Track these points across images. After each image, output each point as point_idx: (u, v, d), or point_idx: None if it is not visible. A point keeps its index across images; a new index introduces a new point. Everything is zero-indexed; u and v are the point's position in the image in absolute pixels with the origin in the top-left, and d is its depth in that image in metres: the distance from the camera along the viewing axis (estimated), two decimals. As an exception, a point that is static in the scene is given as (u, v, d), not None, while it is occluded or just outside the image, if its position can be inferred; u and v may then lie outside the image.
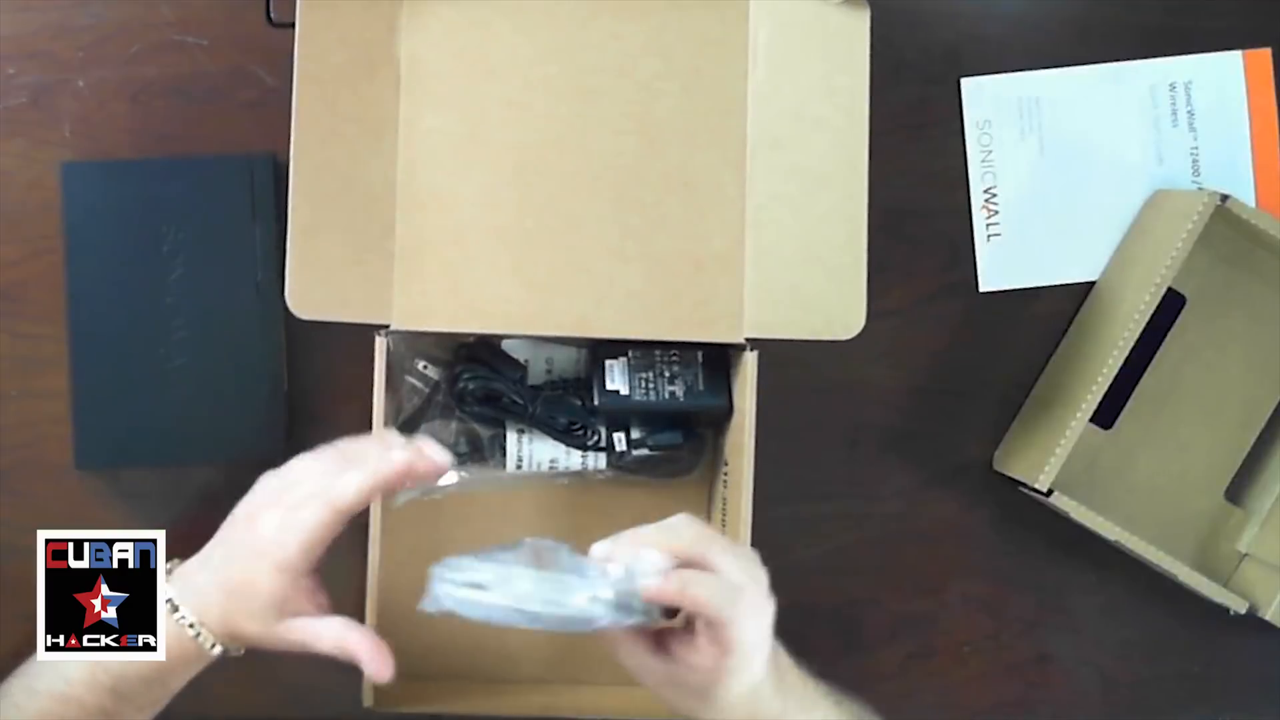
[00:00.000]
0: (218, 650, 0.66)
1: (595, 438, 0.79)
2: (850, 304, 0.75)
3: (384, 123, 0.73)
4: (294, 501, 0.65)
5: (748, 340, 0.75)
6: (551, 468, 0.79)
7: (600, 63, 0.74)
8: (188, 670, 0.67)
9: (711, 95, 0.75)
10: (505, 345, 0.81)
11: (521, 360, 0.80)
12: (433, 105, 0.73)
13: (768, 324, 0.75)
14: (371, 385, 0.73)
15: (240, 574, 0.65)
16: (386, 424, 0.76)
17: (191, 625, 0.66)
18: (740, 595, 0.61)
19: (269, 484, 0.67)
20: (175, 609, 0.66)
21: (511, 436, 0.79)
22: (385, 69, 0.73)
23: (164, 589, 0.66)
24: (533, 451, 0.79)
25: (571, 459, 0.79)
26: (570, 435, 0.79)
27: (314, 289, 0.72)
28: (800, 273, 0.75)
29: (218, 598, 0.66)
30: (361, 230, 0.73)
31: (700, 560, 0.61)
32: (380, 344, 0.73)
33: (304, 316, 0.72)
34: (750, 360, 0.75)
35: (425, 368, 0.79)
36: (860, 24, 0.75)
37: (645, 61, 0.75)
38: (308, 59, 0.72)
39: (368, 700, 0.73)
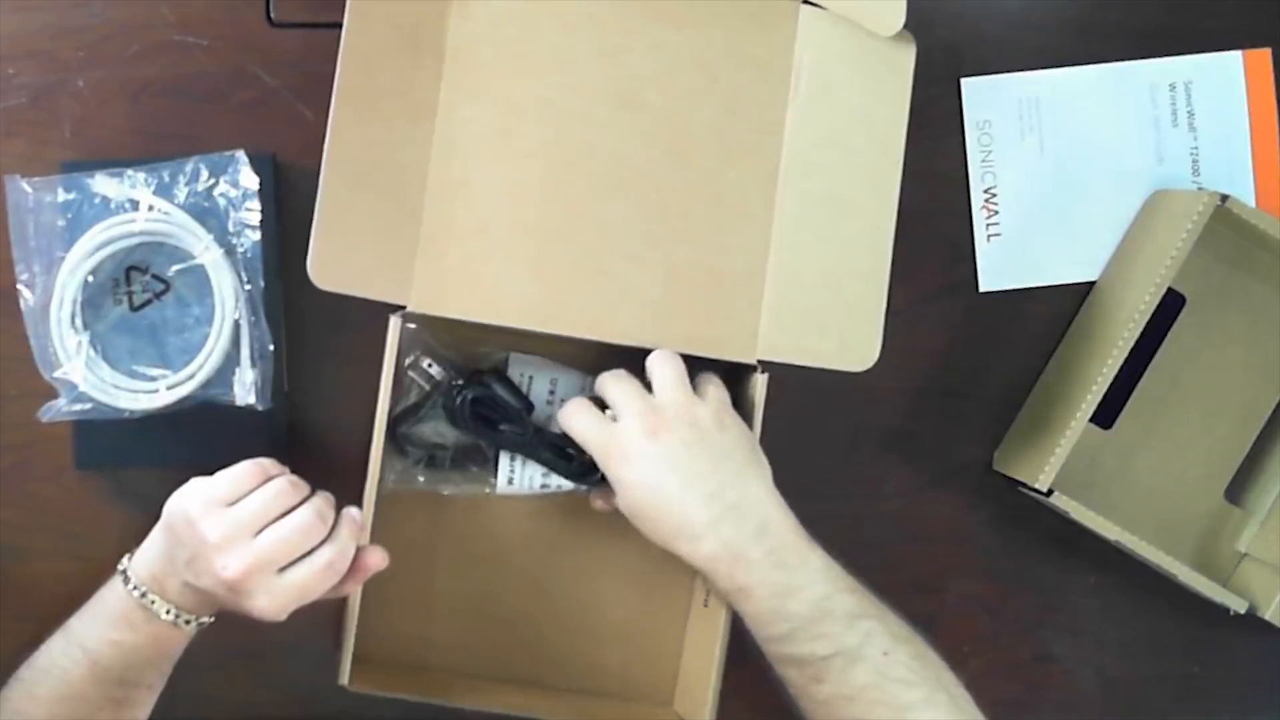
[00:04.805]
0: (197, 628, 0.69)
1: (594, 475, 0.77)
2: (866, 335, 0.75)
3: (423, 106, 0.73)
4: (273, 558, 0.65)
5: (759, 362, 0.75)
6: (544, 487, 0.79)
7: (642, 70, 0.74)
8: (182, 645, 0.70)
9: (750, 115, 0.75)
10: (512, 359, 0.80)
11: (526, 377, 0.79)
12: (473, 94, 0.73)
13: (781, 347, 0.75)
14: (371, 384, 0.73)
15: (224, 605, 0.68)
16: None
17: (177, 616, 0.68)
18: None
19: (225, 514, 0.66)
20: (166, 610, 0.68)
21: (504, 454, 0.78)
22: (430, 53, 0.73)
23: (136, 586, 0.68)
24: (524, 465, 0.79)
25: (563, 480, 0.79)
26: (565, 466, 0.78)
27: (336, 262, 0.71)
28: (819, 299, 0.75)
29: (213, 603, 0.68)
30: (389, 210, 0.72)
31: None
32: (394, 324, 0.72)
33: (325, 288, 0.71)
34: (760, 383, 0.74)
35: (429, 365, 0.79)
36: (906, 58, 0.75)
37: (687, 74, 0.75)
38: (355, 34, 0.71)
39: (344, 679, 0.73)
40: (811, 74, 0.75)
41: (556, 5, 0.74)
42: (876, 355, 0.75)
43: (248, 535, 0.65)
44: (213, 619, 0.69)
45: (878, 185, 0.75)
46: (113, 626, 0.68)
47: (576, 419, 0.73)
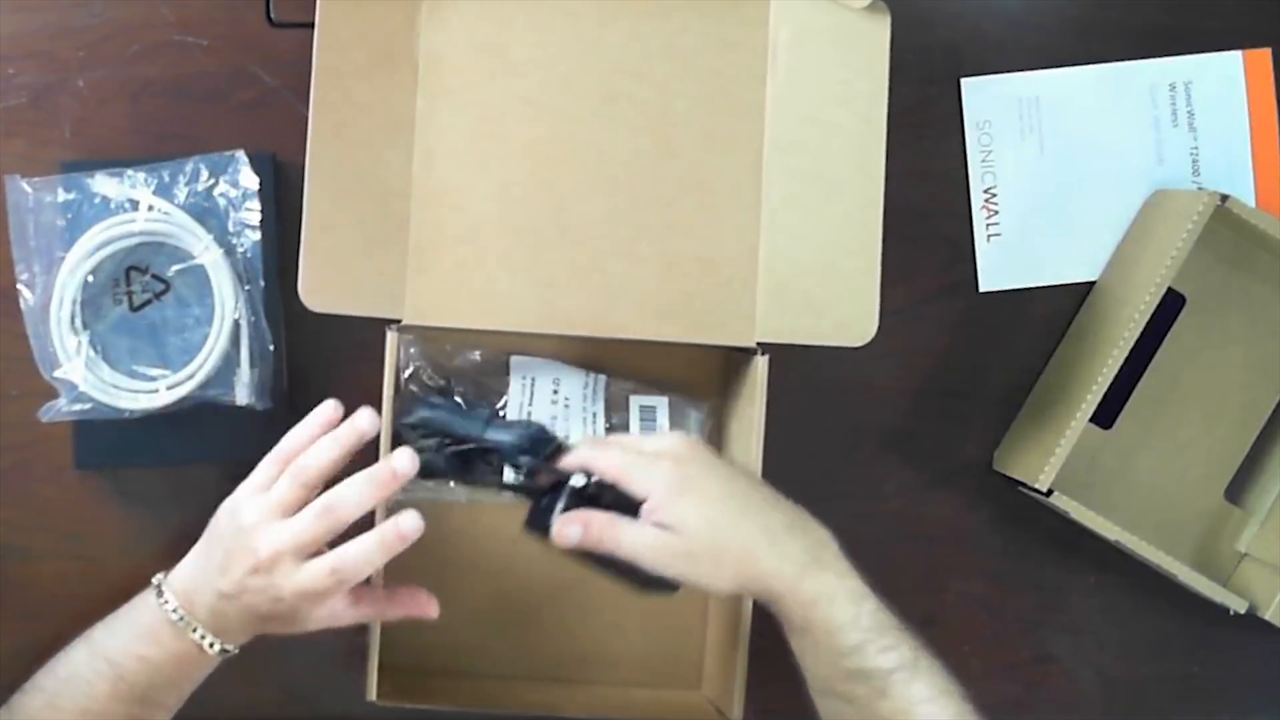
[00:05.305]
0: (221, 654, 0.69)
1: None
2: (862, 310, 0.75)
3: (401, 118, 0.73)
4: (301, 539, 0.66)
5: (759, 345, 0.75)
6: None
7: (619, 63, 0.74)
8: (204, 671, 0.70)
9: (729, 98, 0.75)
10: (513, 361, 0.80)
11: (529, 378, 0.79)
12: (450, 102, 0.73)
13: (779, 328, 0.75)
14: (371, 385, 0.73)
15: (266, 620, 0.68)
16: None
17: (204, 637, 0.68)
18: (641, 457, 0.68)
19: (273, 528, 0.66)
20: (193, 629, 0.68)
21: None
22: (404, 65, 0.73)
23: (168, 601, 0.68)
24: None
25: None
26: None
27: (327, 282, 0.71)
28: (813, 278, 0.75)
29: (239, 622, 0.68)
30: (376, 225, 0.72)
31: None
32: (391, 339, 0.72)
33: (316, 309, 0.71)
34: (761, 365, 0.74)
35: (429, 378, 0.79)
36: (880, 29, 0.75)
37: (664, 63, 0.75)
38: (327, 52, 0.71)
39: (371, 694, 0.73)
40: (787, 52, 0.75)
41: (527, 4, 0.74)
42: (874, 330, 0.75)
43: (277, 516, 0.66)
44: (236, 649, 0.69)
45: (863, 159, 0.75)
46: (140, 640, 0.68)
47: (628, 469, 0.68)
